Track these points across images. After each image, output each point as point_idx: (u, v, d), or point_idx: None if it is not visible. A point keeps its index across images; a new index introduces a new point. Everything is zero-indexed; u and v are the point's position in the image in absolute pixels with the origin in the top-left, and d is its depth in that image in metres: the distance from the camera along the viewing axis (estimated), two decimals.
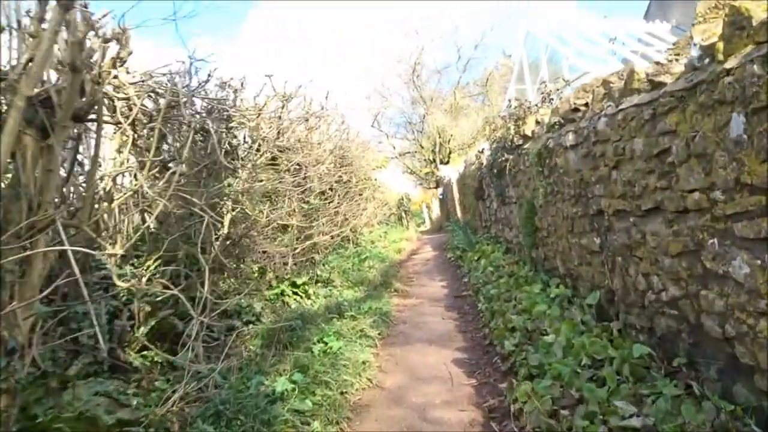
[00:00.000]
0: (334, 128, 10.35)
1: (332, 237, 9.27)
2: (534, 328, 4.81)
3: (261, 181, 6.05)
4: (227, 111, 5.03)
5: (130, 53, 3.79)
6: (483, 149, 8.70)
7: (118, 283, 3.34)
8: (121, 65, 3.87)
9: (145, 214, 5.37)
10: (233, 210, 6.18)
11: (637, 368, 3.34)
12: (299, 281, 6.85)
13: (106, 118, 3.88)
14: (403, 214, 21.47)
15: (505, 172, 7.78)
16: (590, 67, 11.92)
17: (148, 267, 5.49)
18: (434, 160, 27.95)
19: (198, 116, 4.65)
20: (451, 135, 27.06)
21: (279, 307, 6.35)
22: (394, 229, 18.54)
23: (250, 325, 5.52)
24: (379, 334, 5.87)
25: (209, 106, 4.76)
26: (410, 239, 16.74)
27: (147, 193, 4.35)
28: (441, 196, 23.68)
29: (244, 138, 6.48)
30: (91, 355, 3.49)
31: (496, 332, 5.24)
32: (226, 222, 6.15)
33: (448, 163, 26.05)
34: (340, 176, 9.81)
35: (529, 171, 6.62)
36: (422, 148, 29.22)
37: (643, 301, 3.70)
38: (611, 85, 4.12)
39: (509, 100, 21.94)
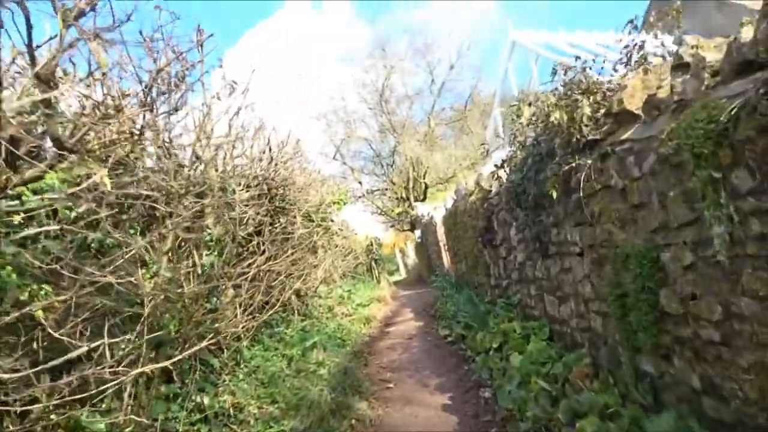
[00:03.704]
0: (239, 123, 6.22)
1: (251, 319, 5.33)
2: None
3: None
4: None
5: None
6: (503, 161, 5.10)
7: None
8: None
9: None
10: None
11: None
12: None
13: None
14: (373, 264, 17.36)
15: (560, 195, 4.11)
16: (596, 77, 9.14)
17: None
18: (408, 198, 24.21)
19: None
20: (427, 168, 23.47)
21: None
22: (363, 285, 14.43)
23: None
24: None
25: None
26: (383, 299, 12.76)
27: None
28: (419, 240, 19.86)
29: None
30: None
31: None
32: None
33: (424, 200, 22.40)
34: (262, 218, 5.92)
35: (642, 185, 3.00)
36: (393, 184, 25.43)
37: None
38: None
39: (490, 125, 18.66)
